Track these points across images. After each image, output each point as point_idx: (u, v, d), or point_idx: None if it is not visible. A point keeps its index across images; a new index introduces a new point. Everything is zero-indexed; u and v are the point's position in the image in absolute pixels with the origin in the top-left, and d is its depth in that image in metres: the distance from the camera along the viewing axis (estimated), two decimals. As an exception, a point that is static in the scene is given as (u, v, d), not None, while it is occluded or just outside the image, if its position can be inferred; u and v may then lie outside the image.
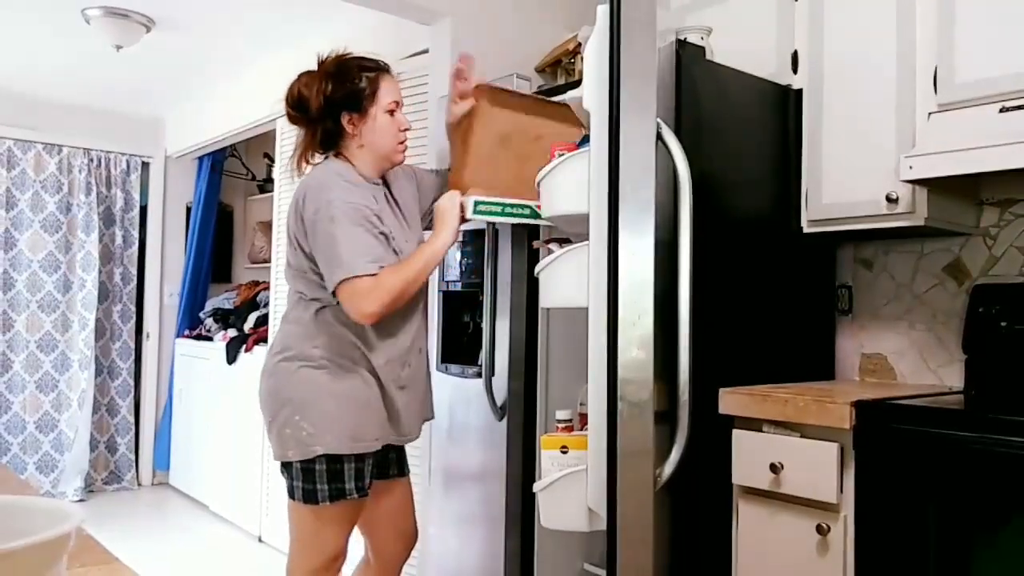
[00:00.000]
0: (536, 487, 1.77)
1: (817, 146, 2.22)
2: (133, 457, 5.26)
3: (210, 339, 4.90)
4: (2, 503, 0.72)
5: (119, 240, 5.22)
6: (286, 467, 1.88)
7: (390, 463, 2.04)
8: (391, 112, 1.93)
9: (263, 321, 4.48)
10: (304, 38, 3.80)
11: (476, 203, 1.93)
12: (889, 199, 2.03)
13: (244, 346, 4.41)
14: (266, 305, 4.58)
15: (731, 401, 1.97)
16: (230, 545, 4.15)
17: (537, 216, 1.97)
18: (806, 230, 2.25)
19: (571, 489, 1.69)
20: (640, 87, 1.59)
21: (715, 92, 2.07)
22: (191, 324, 5.35)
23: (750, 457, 1.94)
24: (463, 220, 1.95)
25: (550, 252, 1.83)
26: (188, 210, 5.53)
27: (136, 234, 5.29)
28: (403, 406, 1.93)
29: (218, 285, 5.59)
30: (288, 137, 2.06)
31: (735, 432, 1.97)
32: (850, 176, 2.14)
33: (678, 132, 1.82)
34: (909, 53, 2.04)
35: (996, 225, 2.19)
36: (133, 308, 5.28)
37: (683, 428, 1.70)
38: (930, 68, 2.00)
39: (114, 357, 5.19)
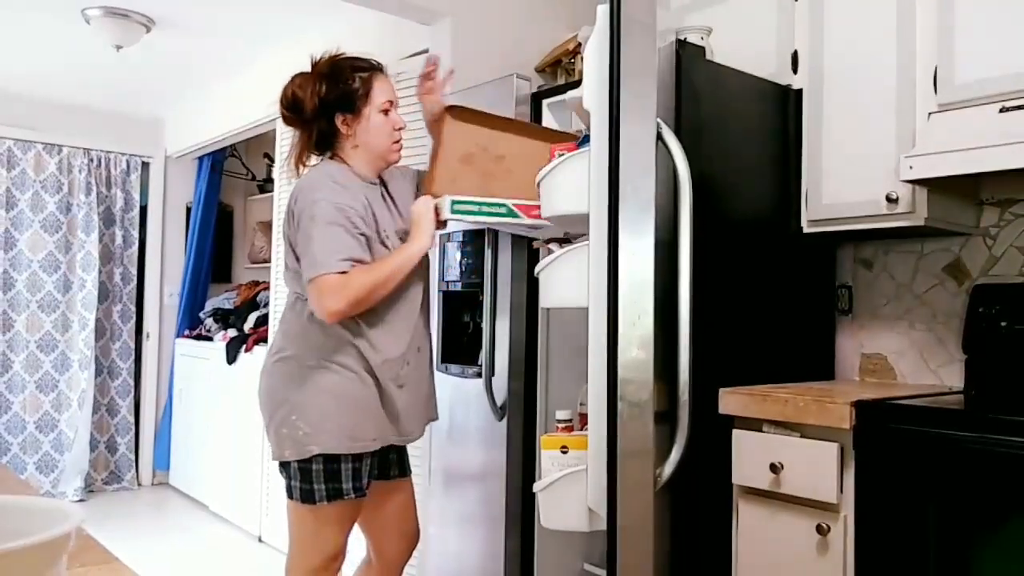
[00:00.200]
0: (536, 487, 1.77)
1: (817, 146, 2.22)
2: (133, 457, 5.26)
3: (210, 339, 4.90)
4: (2, 503, 0.72)
5: (119, 240, 5.22)
6: (284, 467, 1.88)
7: (391, 464, 2.04)
8: (385, 112, 1.94)
9: (263, 321, 4.48)
10: (304, 38, 3.80)
11: (453, 203, 1.93)
12: (889, 199, 2.03)
13: (244, 346, 4.41)
14: (266, 305, 4.58)
15: (731, 401, 1.97)
16: (230, 545, 4.15)
17: (514, 215, 1.97)
18: (806, 230, 2.25)
19: (571, 489, 1.69)
20: (640, 87, 1.59)
21: (715, 92, 2.07)
22: (191, 324, 5.35)
23: (750, 457, 1.94)
24: (440, 223, 1.94)
25: (550, 252, 1.83)
26: (188, 210, 5.53)
27: (136, 234, 5.29)
28: (403, 406, 1.92)
29: (218, 285, 5.59)
30: (288, 137, 2.07)
31: (735, 432, 1.97)
32: (850, 176, 2.14)
33: (678, 132, 1.82)
34: (909, 53, 2.04)
35: (996, 225, 2.19)
36: (133, 308, 5.28)
37: (683, 428, 1.70)
38: (930, 68, 2.00)
39: (114, 357, 5.19)
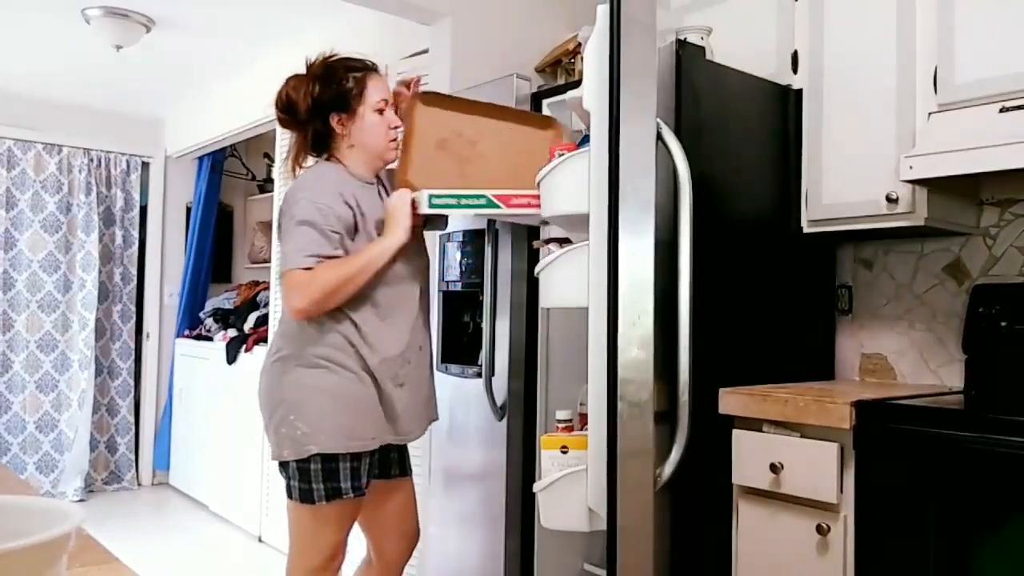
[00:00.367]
0: (536, 487, 1.77)
1: (817, 146, 2.22)
2: (133, 457, 5.26)
3: (210, 339, 4.90)
4: (2, 503, 0.72)
5: (119, 240, 5.22)
6: (283, 467, 1.88)
7: (392, 463, 2.04)
8: (380, 111, 1.94)
9: (263, 321, 4.48)
10: (304, 38, 3.80)
11: (431, 197, 1.90)
12: (889, 199, 2.03)
13: (244, 346, 4.41)
14: (266, 305, 4.58)
15: (731, 401, 1.97)
16: (230, 545, 4.15)
17: (494, 205, 1.94)
18: (806, 230, 2.25)
19: (571, 489, 1.69)
20: (640, 87, 1.59)
21: (715, 92, 2.07)
22: (191, 324, 5.35)
23: (750, 457, 1.94)
24: (417, 218, 1.92)
25: (550, 252, 1.83)
26: (188, 210, 5.53)
27: (136, 234, 5.29)
28: (403, 404, 1.92)
29: (218, 285, 5.59)
30: (288, 137, 2.07)
31: (735, 432, 1.97)
32: (850, 176, 2.14)
33: (678, 132, 1.82)
34: (909, 53, 2.04)
35: (996, 225, 2.19)
36: (133, 308, 5.28)
37: (683, 428, 1.70)
38: (930, 68, 2.00)
39: (114, 357, 5.19)
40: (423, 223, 2.10)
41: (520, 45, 2.94)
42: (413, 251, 1.98)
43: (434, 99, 2.06)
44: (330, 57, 1.95)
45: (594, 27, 1.66)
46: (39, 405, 4.90)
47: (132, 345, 5.26)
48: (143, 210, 5.40)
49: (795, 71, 2.27)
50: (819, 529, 1.82)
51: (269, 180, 5.31)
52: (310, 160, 2.00)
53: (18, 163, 4.86)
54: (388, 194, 2.01)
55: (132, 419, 5.25)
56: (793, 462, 1.86)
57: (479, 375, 2.47)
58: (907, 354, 2.34)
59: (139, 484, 5.30)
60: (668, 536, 1.88)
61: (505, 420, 2.43)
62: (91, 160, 5.09)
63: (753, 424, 1.94)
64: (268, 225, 5.12)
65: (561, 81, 2.77)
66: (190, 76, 4.59)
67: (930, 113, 2.00)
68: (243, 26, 3.78)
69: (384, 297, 1.89)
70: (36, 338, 4.89)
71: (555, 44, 2.87)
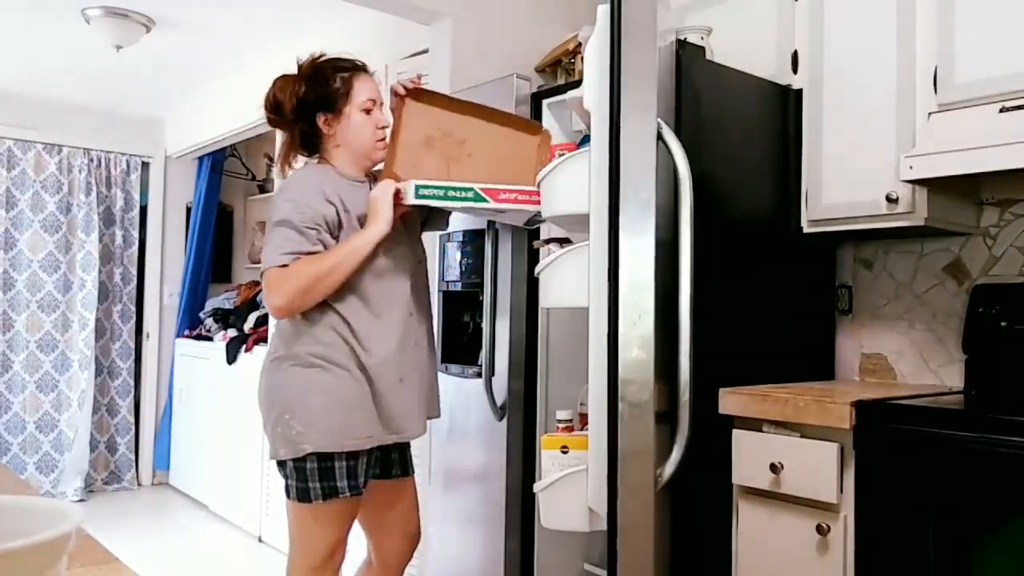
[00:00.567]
0: (536, 487, 1.77)
1: (817, 146, 2.22)
2: (133, 457, 5.26)
3: (210, 339, 4.90)
4: (2, 503, 0.72)
5: (119, 240, 5.22)
6: (281, 466, 1.89)
7: (393, 463, 2.03)
8: (367, 111, 1.95)
9: (263, 321, 4.48)
10: (304, 38, 3.79)
11: (417, 187, 1.88)
12: (889, 199, 2.03)
13: (244, 346, 4.41)
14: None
15: (731, 401, 1.97)
16: (230, 545, 4.15)
17: (481, 199, 1.93)
18: (806, 230, 2.25)
19: (571, 489, 1.69)
20: (640, 87, 1.59)
21: (715, 92, 2.07)
22: (191, 324, 5.35)
23: (750, 457, 1.94)
24: (401, 209, 1.90)
25: (550, 252, 1.83)
26: (188, 210, 5.53)
27: (136, 234, 5.29)
28: (400, 402, 1.91)
29: (218, 285, 5.59)
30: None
31: (735, 432, 1.97)
32: (850, 176, 2.14)
33: (678, 132, 1.82)
34: (909, 53, 2.04)
35: (996, 225, 2.19)
36: (133, 308, 5.28)
37: (684, 428, 1.70)
38: (930, 68, 2.00)
39: (114, 357, 5.19)
40: (418, 220, 2.09)
41: (520, 45, 2.94)
42: (400, 244, 1.96)
43: (424, 96, 2.05)
44: (319, 58, 1.96)
45: (594, 27, 1.66)
46: (39, 405, 4.90)
47: (132, 345, 5.26)
48: (143, 210, 5.40)
49: (795, 71, 2.27)
50: (819, 529, 1.82)
51: (269, 180, 5.31)
52: (301, 160, 2.01)
53: (18, 163, 4.86)
54: None
55: (132, 419, 5.25)
56: (793, 462, 1.86)
57: (479, 375, 2.47)
58: (907, 354, 2.34)
59: (139, 484, 5.30)
60: (668, 536, 1.88)
61: (505, 420, 2.43)
62: (91, 160, 5.09)
63: (753, 424, 1.94)
64: (268, 225, 5.11)
65: (561, 81, 2.77)
66: (190, 76, 4.59)
67: (930, 113, 2.00)
68: (243, 26, 3.78)
69: (374, 291, 1.88)
70: (36, 338, 4.89)
71: (555, 44, 2.87)
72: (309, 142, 1.97)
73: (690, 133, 1.93)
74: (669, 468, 1.68)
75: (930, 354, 2.30)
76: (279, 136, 4.04)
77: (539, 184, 1.86)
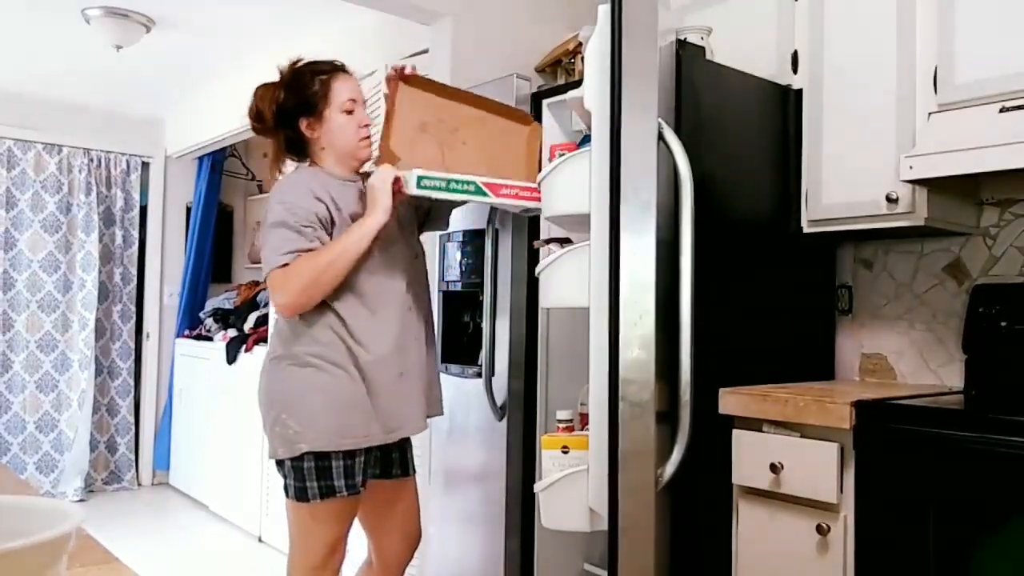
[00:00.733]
0: (537, 487, 1.77)
1: (817, 146, 2.22)
2: (133, 457, 5.26)
3: (210, 339, 4.90)
4: (2, 503, 0.72)
5: (119, 240, 5.22)
6: (280, 465, 1.89)
7: (393, 463, 2.03)
8: (349, 111, 1.94)
9: (263, 321, 4.48)
10: (304, 38, 3.80)
11: (420, 178, 1.85)
12: (889, 199, 2.03)
13: (244, 346, 4.41)
14: (266, 305, 4.58)
15: (731, 401, 1.97)
16: (230, 545, 4.15)
17: (482, 193, 1.92)
18: (806, 230, 2.25)
19: (572, 489, 1.69)
20: (641, 87, 1.59)
21: (715, 92, 2.07)
22: (191, 324, 5.35)
23: (750, 457, 1.94)
24: (399, 197, 1.89)
25: (550, 252, 1.83)
26: (188, 210, 5.53)
27: (136, 234, 5.29)
28: (398, 400, 1.91)
29: (218, 285, 5.59)
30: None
31: (735, 432, 1.97)
32: (850, 176, 2.14)
33: (678, 132, 1.82)
34: (909, 53, 2.04)
35: (996, 225, 2.19)
36: (133, 308, 5.28)
37: (684, 428, 1.70)
38: (930, 68, 2.00)
39: (114, 357, 5.19)
40: (415, 215, 2.09)
41: (520, 45, 2.94)
42: (396, 239, 1.96)
43: (416, 82, 2.05)
44: (296, 63, 1.96)
45: (595, 27, 1.66)
46: (39, 405, 4.89)
47: (132, 345, 5.26)
48: (143, 210, 5.40)
49: (795, 71, 2.27)
50: (819, 529, 1.82)
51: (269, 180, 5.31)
52: (291, 165, 2.02)
53: (18, 163, 4.86)
54: None
55: (132, 419, 5.24)
56: (793, 462, 1.86)
57: (479, 375, 2.47)
58: (907, 354, 2.34)
59: (139, 484, 5.30)
60: (668, 536, 1.88)
61: (505, 420, 2.43)
62: (91, 160, 5.09)
63: (753, 424, 1.94)
64: (268, 225, 5.11)
65: (561, 81, 2.77)
66: (190, 76, 4.59)
67: (930, 113, 2.00)
68: (243, 26, 3.78)
69: (369, 287, 1.88)
70: (36, 338, 4.89)
71: (555, 44, 2.87)
72: (296, 147, 1.98)
73: (690, 133, 1.93)
74: (670, 468, 1.68)
75: (930, 354, 2.30)
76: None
77: (539, 184, 1.86)
